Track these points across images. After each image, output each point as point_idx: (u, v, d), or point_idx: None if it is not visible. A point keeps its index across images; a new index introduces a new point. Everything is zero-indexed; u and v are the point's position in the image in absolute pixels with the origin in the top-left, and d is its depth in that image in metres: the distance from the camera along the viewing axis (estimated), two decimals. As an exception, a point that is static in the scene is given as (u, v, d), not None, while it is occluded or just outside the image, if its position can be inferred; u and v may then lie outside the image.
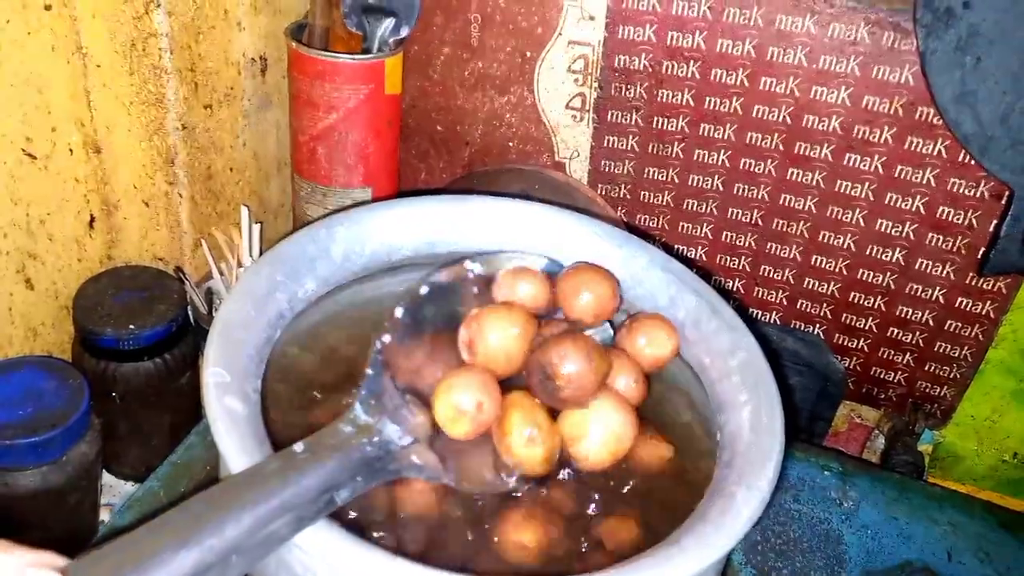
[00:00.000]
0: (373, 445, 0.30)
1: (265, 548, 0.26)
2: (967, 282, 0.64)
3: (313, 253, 0.40)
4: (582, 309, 0.38)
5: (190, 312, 0.59)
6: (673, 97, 0.65)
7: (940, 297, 0.66)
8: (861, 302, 0.68)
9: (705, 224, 0.70)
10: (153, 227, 0.62)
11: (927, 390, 0.70)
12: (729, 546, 0.30)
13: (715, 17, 0.61)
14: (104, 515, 0.55)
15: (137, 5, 0.55)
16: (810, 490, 0.57)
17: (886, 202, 0.64)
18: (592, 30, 0.64)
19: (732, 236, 0.69)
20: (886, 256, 0.66)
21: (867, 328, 0.69)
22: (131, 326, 0.54)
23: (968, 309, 0.65)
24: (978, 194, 0.61)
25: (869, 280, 0.67)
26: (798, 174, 0.65)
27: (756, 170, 0.66)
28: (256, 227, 0.63)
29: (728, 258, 0.70)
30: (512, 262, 0.40)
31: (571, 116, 0.68)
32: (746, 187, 0.67)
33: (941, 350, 0.68)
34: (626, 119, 0.67)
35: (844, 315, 0.70)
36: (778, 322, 0.72)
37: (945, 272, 0.65)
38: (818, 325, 0.71)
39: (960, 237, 0.63)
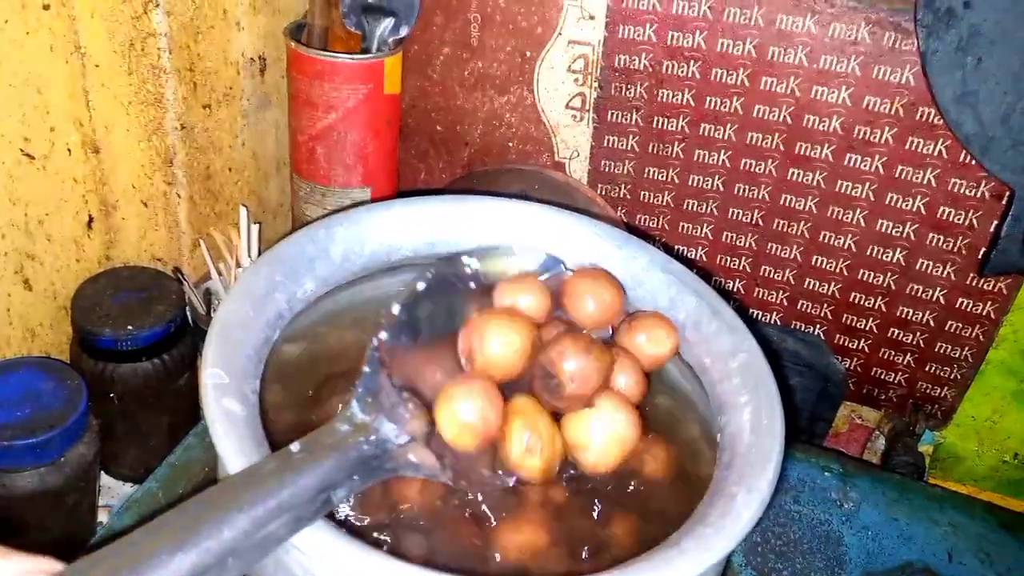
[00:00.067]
0: (370, 444, 0.30)
1: (262, 549, 0.26)
2: (968, 283, 0.64)
3: (312, 253, 0.40)
4: (588, 316, 0.38)
5: (188, 313, 0.59)
6: (673, 97, 0.65)
7: (941, 297, 0.65)
8: (862, 302, 0.68)
9: (705, 224, 0.69)
10: (152, 227, 0.62)
11: (928, 391, 0.70)
12: (729, 548, 0.30)
13: (715, 17, 0.61)
14: (102, 516, 0.55)
15: (136, 5, 0.55)
16: (810, 491, 0.57)
17: (887, 202, 0.64)
18: (592, 30, 0.64)
19: (732, 236, 0.69)
20: (887, 256, 0.66)
21: (868, 329, 0.69)
22: (129, 327, 0.53)
23: (969, 310, 0.65)
24: (979, 194, 0.61)
25: (870, 280, 0.67)
26: (798, 174, 0.65)
27: (756, 170, 0.66)
28: (255, 227, 0.63)
29: (728, 258, 0.70)
30: (510, 258, 0.40)
31: (571, 116, 0.68)
32: (746, 187, 0.67)
33: (942, 351, 0.68)
34: (626, 119, 0.67)
35: (845, 316, 0.69)
36: (779, 323, 0.71)
37: (946, 272, 0.64)
38: (819, 326, 0.71)
39: (961, 237, 0.63)
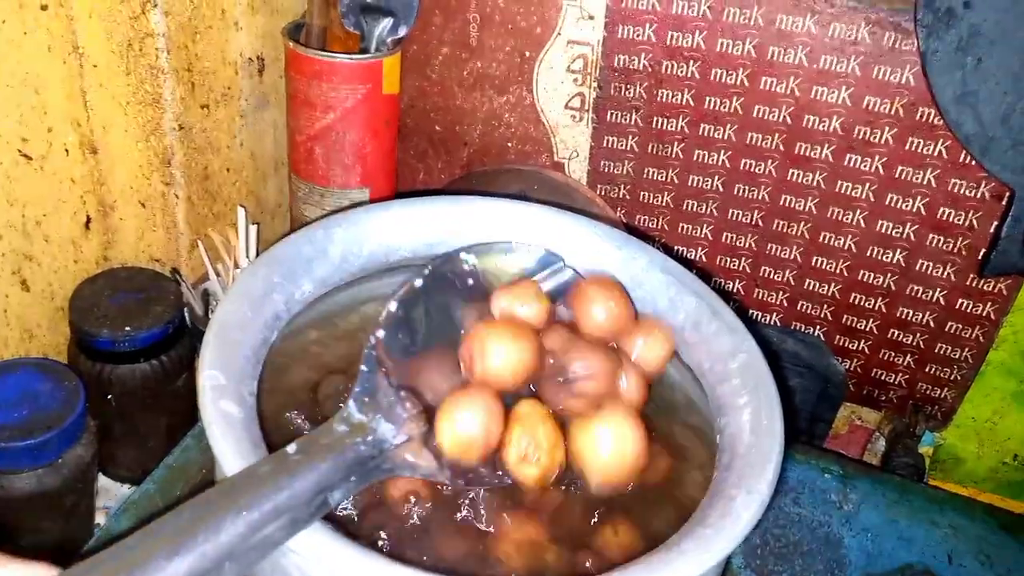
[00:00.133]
0: (367, 444, 0.30)
1: (259, 553, 0.26)
2: (968, 283, 0.64)
3: (310, 254, 0.40)
4: (597, 326, 0.38)
5: (186, 314, 0.59)
6: (673, 97, 0.65)
7: (941, 298, 0.65)
8: (862, 303, 0.68)
9: (705, 225, 0.69)
10: (149, 228, 0.62)
11: (928, 392, 0.70)
12: (728, 550, 0.30)
13: (715, 17, 0.61)
14: (100, 518, 0.54)
15: (134, 5, 0.55)
16: (810, 493, 0.56)
17: (887, 203, 0.63)
18: (591, 30, 0.64)
19: (732, 237, 0.69)
20: (887, 257, 0.65)
21: (868, 329, 0.69)
22: (127, 328, 0.53)
23: (969, 310, 0.65)
24: (979, 195, 0.61)
25: (870, 281, 0.67)
26: (798, 175, 0.65)
27: (756, 171, 0.66)
28: (253, 228, 0.63)
29: (728, 259, 0.70)
30: (508, 254, 0.40)
31: (570, 116, 0.68)
32: (746, 188, 0.67)
33: (942, 352, 0.67)
34: (625, 119, 0.66)
35: (845, 316, 0.69)
36: (778, 323, 0.71)
37: (946, 273, 0.64)
38: (819, 326, 0.70)
39: (961, 238, 0.63)
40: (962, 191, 0.61)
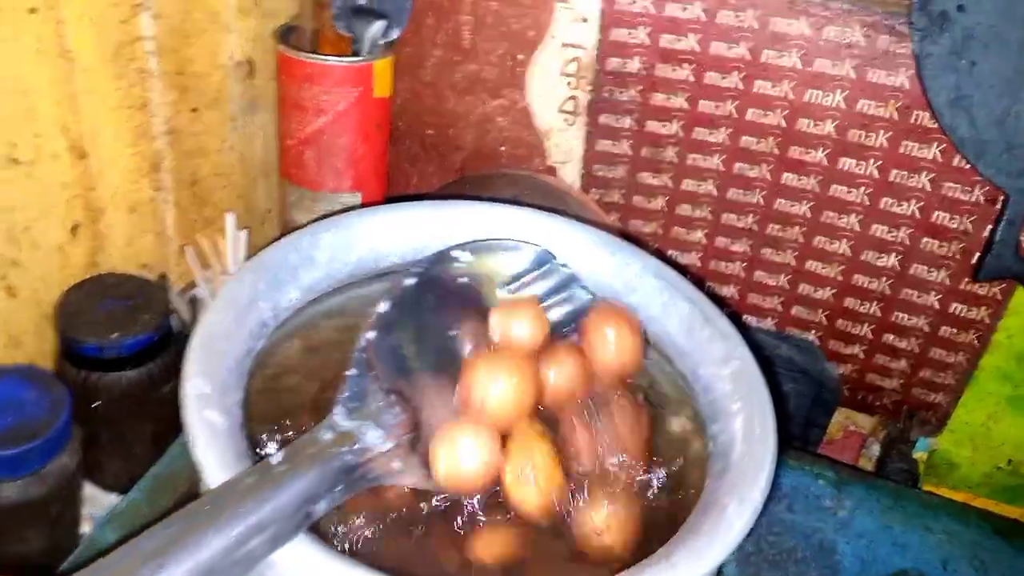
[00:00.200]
0: (354, 452, 0.29)
1: (243, 567, 0.25)
2: (962, 288, 0.64)
3: (296, 261, 0.39)
4: (608, 364, 0.38)
5: (174, 321, 0.58)
6: (667, 100, 0.64)
7: (935, 303, 0.65)
8: (856, 308, 0.68)
9: (699, 229, 0.69)
10: (138, 234, 0.61)
11: (922, 397, 0.69)
12: (721, 559, 0.29)
13: (709, 19, 0.60)
14: (86, 526, 0.54)
15: (124, 8, 0.54)
16: (804, 499, 0.56)
17: (881, 207, 0.63)
18: (585, 32, 0.63)
19: (726, 241, 0.69)
20: (881, 261, 0.65)
21: (862, 334, 0.69)
22: (114, 335, 0.53)
23: (963, 315, 0.65)
24: (973, 199, 0.60)
25: (864, 286, 0.67)
26: (793, 178, 0.65)
27: (751, 174, 0.65)
28: (242, 233, 0.63)
29: (722, 263, 0.70)
30: (502, 253, 0.39)
31: (563, 120, 0.67)
32: (741, 191, 0.66)
33: (936, 356, 0.67)
34: (619, 123, 0.66)
35: (839, 321, 0.69)
36: (773, 328, 0.71)
37: (940, 277, 0.64)
38: (813, 331, 0.70)
39: (955, 242, 0.62)
40: (956, 195, 0.61)
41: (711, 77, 0.62)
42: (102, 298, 0.55)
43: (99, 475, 0.58)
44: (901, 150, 0.61)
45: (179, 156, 0.62)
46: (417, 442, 0.32)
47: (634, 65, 0.63)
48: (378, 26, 0.64)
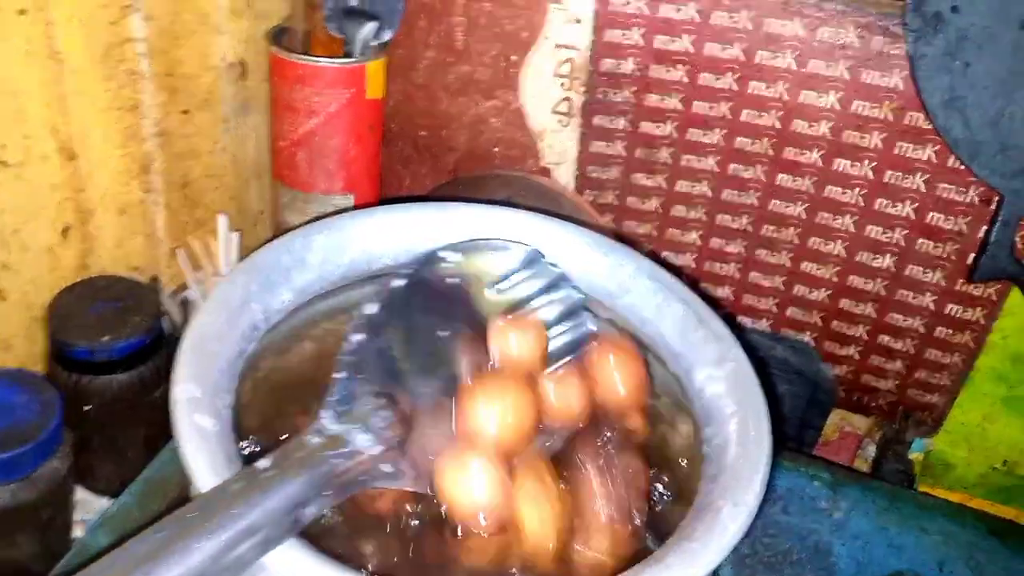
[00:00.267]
0: (342, 456, 0.29)
1: (231, 573, 0.25)
2: (957, 288, 0.64)
3: (289, 263, 0.39)
4: (616, 403, 0.37)
5: (166, 323, 0.58)
6: (661, 101, 0.64)
7: (930, 304, 0.65)
8: (851, 309, 0.68)
9: (694, 230, 0.69)
10: (129, 235, 0.61)
11: (918, 397, 0.69)
12: (715, 563, 0.29)
13: (703, 20, 0.60)
14: (78, 531, 0.53)
15: (113, 10, 0.54)
16: (800, 501, 0.56)
17: (876, 208, 0.63)
18: (579, 33, 0.63)
19: (721, 242, 0.69)
20: (877, 262, 0.65)
21: (857, 335, 0.69)
22: (105, 338, 0.52)
23: (958, 316, 0.65)
24: (968, 199, 0.60)
25: (859, 287, 0.67)
26: (788, 179, 0.64)
27: (745, 175, 0.65)
28: (234, 235, 0.62)
29: (717, 264, 0.70)
30: (491, 252, 0.39)
31: (557, 121, 0.67)
32: (735, 193, 0.66)
33: (932, 357, 0.67)
34: (613, 124, 0.66)
35: (834, 322, 0.69)
36: (768, 329, 0.71)
37: (935, 278, 0.64)
38: (808, 332, 0.70)
39: (950, 243, 0.62)
40: (951, 196, 0.61)
41: (705, 78, 0.62)
42: (93, 301, 0.55)
43: (90, 479, 0.57)
44: (896, 151, 0.60)
45: (170, 158, 0.61)
46: (406, 443, 0.32)
47: (628, 66, 0.63)
48: (370, 27, 0.63)
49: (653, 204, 0.68)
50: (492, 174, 0.70)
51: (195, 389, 0.31)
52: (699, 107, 0.63)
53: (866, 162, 0.62)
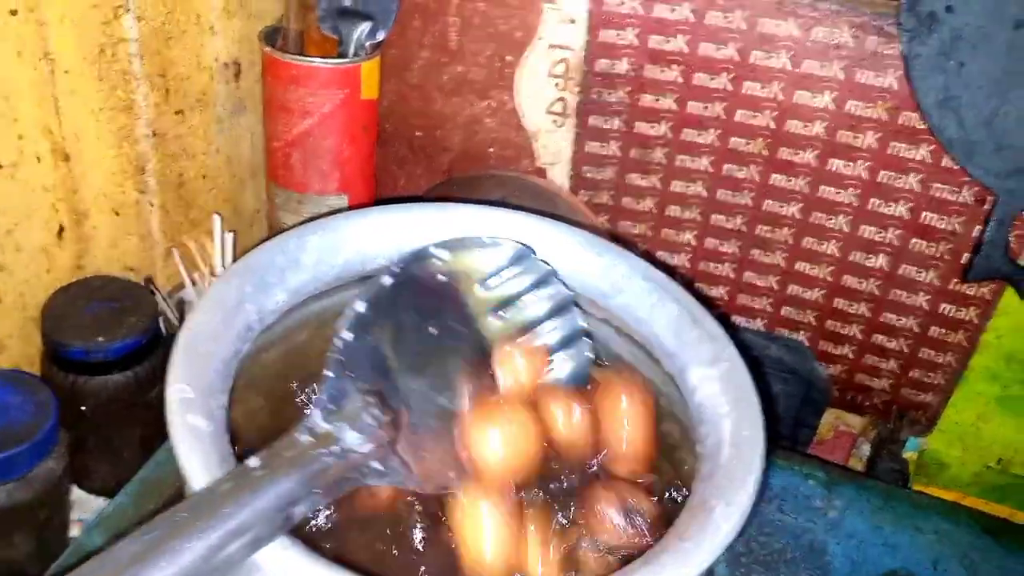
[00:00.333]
0: (333, 454, 0.29)
1: (222, 573, 0.25)
2: (951, 288, 0.64)
3: (283, 263, 0.39)
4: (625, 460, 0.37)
5: (161, 323, 0.58)
6: (656, 101, 0.64)
7: (924, 303, 0.65)
8: (845, 308, 0.68)
9: (688, 230, 0.69)
10: (123, 236, 0.61)
11: (912, 397, 0.69)
12: (708, 562, 0.29)
13: (697, 20, 0.60)
14: (75, 531, 0.53)
15: (106, 10, 0.54)
16: (794, 499, 0.56)
17: (870, 207, 0.63)
18: (573, 34, 0.63)
19: (716, 242, 0.69)
20: (871, 262, 0.65)
21: (852, 335, 0.69)
22: (100, 338, 0.52)
23: (952, 315, 0.65)
24: (962, 199, 0.60)
25: (853, 286, 0.67)
26: (782, 179, 0.64)
27: (740, 175, 0.65)
28: (229, 236, 0.62)
29: (712, 264, 0.70)
30: (480, 250, 0.39)
31: (552, 121, 0.67)
32: (730, 192, 0.66)
33: (926, 356, 0.67)
34: (608, 124, 0.66)
35: (828, 321, 0.69)
36: (762, 329, 0.71)
37: (929, 278, 0.64)
38: (802, 332, 0.70)
39: (944, 242, 0.62)
40: (945, 196, 0.61)
41: (700, 78, 0.62)
42: (88, 301, 0.54)
43: (86, 479, 0.57)
44: (890, 151, 0.61)
45: (164, 158, 0.61)
46: (396, 441, 0.32)
47: (622, 66, 0.63)
48: (364, 28, 0.63)
49: (648, 204, 0.68)
50: (487, 174, 0.70)
51: (189, 390, 0.31)
52: (693, 107, 0.63)
53: (860, 162, 0.62)
